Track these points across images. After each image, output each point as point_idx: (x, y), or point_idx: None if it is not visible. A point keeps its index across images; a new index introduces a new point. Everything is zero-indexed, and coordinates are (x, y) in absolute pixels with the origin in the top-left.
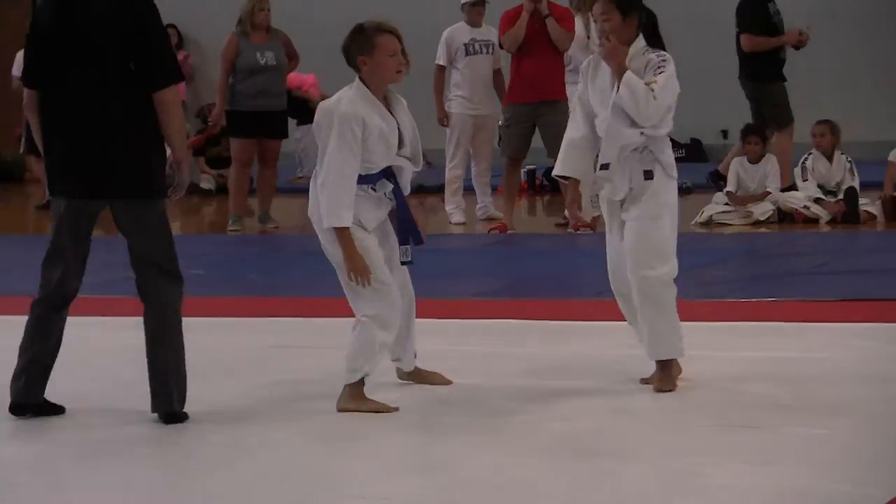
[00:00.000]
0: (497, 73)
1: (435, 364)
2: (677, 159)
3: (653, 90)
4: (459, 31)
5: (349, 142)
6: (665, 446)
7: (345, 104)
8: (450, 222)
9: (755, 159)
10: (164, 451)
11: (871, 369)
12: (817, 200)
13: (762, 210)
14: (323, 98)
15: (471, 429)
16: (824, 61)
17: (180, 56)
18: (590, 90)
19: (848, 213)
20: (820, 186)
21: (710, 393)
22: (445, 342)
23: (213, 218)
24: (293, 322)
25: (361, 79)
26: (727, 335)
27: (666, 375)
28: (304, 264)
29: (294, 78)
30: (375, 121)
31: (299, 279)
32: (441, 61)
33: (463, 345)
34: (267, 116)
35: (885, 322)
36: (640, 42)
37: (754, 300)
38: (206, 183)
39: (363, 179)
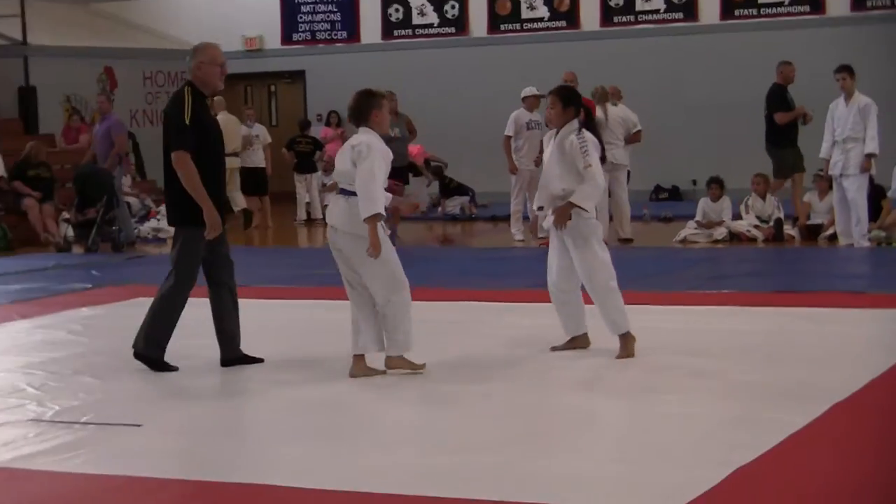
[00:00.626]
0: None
1: (514, 333)
2: (662, 200)
3: (593, 174)
4: (522, 114)
5: (381, 163)
6: (638, 388)
7: (375, 141)
8: (514, 239)
9: (715, 199)
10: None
11: (790, 337)
12: (756, 227)
13: (719, 232)
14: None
15: (498, 382)
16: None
17: (338, 131)
18: (546, 153)
19: (776, 235)
20: (757, 217)
21: (676, 353)
22: (515, 317)
23: None
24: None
25: (370, 126)
26: (694, 315)
27: (626, 345)
28: (424, 263)
29: (411, 147)
30: (387, 155)
31: (428, 273)
32: (509, 132)
33: (522, 320)
34: (396, 170)
35: (802, 306)
36: (574, 124)
37: (713, 292)
38: None
39: None
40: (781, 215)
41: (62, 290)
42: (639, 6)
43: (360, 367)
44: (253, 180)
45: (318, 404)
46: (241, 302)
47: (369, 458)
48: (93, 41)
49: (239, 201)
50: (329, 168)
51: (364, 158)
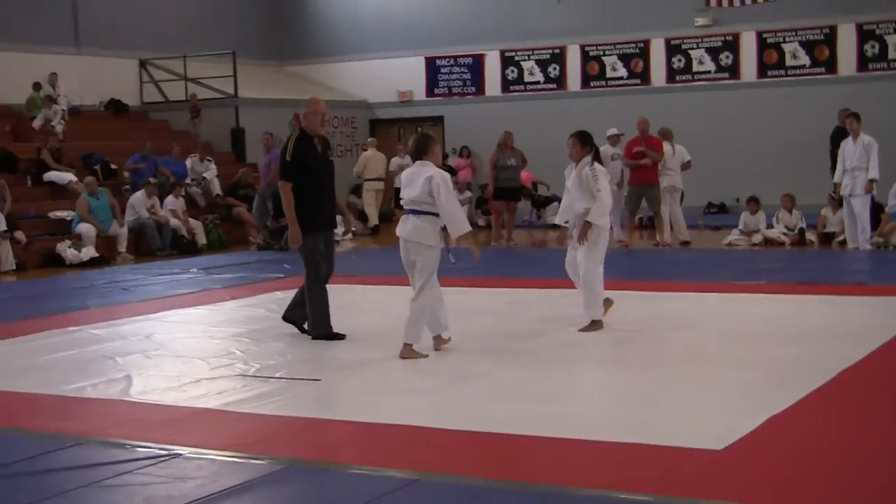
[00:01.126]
0: (622, 173)
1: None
2: (713, 213)
3: (601, 197)
4: (607, 149)
5: (454, 191)
6: (692, 355)
7: (442, 172)
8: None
9: (753, 213)
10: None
11: (809, 318)
12: (784, 234)
13: (756, 238)
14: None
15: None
16: None
17: (467, 160)
18: (568, 181)
19: (800, 240)
20: (785, 226)
21: (721, 328)
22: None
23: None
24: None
25: (428, 158)
26: (736, 300)
27: (591, 326)
28: (533, 260)
29: (523, 173)
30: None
31: (524, 269)
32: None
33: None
34: (512, 191)
35: (819, 294)
36: (588, 159)
37: (751, 283)
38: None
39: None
40: (804, 225)
41: (262, 279)
42: (695, 68)
43: (408, 352)
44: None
45: (443, 368)
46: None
47: (489, 408)
48: (285, 94)
49: (372, 218)
50: (462, 188)
51: (441, 191)
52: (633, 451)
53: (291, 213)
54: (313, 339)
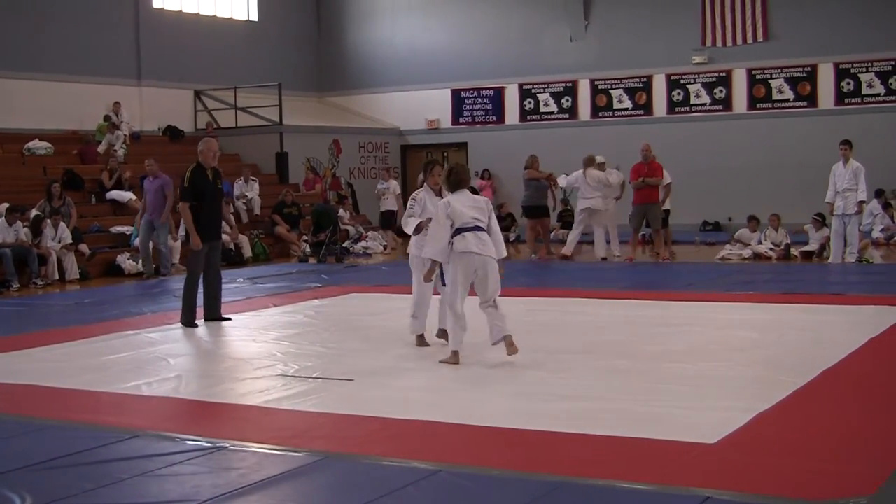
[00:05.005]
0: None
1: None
2: (707, 230)
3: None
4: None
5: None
6: (684, 356)
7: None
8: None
9: (753, 230)
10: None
11: (793, 323)
12: (771, 249)
13: (747, 253)
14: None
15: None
16: None
17: (488, 182)
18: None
19: (785, 255)
20: (772, 243)
21: (713, 332)
22: (604, 308)
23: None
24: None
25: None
26: (728, 308)
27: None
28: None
29: None
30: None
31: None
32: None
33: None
34: (539, 208)
35: (802, 303)
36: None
37: (741, 293)
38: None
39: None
40: (789, 241)
41: (301, 288)
42: (693, 101)
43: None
44: (386, 219)
45: (462, 370)
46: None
47: (504, 405)
48: (325, 122)
49: None
50: None
51: (493, 215)
52: (634, 444)
53: (190, 224)
54: (182, 324)
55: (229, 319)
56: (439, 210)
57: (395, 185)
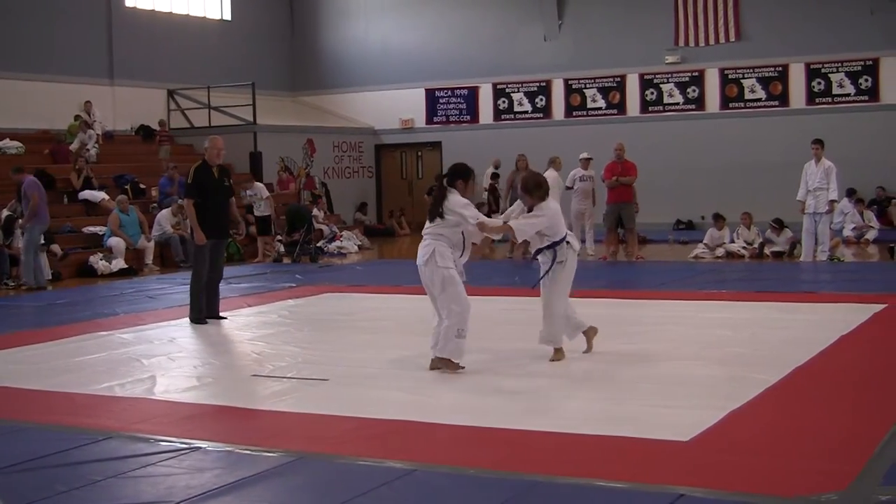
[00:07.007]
0: (593, 192)
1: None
2: (681, 229)
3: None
4: (578, 171)
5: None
6: (657, 356)
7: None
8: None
9: (720, 228)
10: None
11: (766, 322)
12: (744, 248)
13: (719, 252)
14: None
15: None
16: None
17: None
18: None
19: (758, 254)
20: (745, 241)
21: (687, 331)
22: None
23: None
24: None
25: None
26: (701, 307)
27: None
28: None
29: None
30: None
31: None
32: (569, 184)
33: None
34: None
35: (775, 301)
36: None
37: (714, 291)
38: None
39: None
40: (762, 240)
41: (276, 288)
42: (666, 100)
43: None
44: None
45: (436, 373)
46: None
47: (477, 404)
48: (299, 121)
49: None
50: None
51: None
52: (608, 443)
53: (194, 220)
54: (190, 321)
55: (225, 318)
56: (552, 211)
57: (261, 189)
